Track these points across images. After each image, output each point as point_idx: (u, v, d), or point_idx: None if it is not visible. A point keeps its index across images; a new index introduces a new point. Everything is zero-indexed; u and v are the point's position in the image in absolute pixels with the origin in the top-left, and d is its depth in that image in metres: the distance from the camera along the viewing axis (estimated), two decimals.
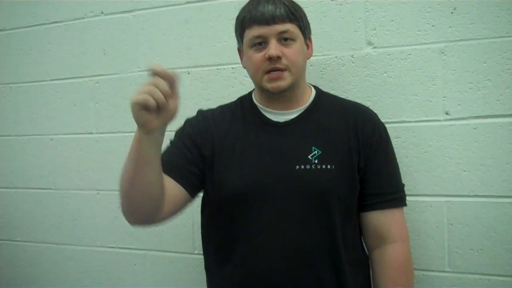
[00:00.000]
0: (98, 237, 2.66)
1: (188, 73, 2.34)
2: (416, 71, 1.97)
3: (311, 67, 2.09)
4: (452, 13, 1.90)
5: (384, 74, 2.01)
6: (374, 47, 2.03)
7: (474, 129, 1.90)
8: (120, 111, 2.52)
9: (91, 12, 2.56)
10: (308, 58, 1.81)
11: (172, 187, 1.67)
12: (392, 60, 2.00)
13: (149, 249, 2.51)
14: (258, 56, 1.68)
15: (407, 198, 1.89)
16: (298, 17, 1.70)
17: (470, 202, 1.92)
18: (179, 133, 1.82)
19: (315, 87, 1.87)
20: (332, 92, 1.99)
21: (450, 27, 1.91)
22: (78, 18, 2.59)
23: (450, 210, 1.95)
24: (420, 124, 1.97)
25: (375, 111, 1.91)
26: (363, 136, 1.73)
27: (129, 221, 1.69)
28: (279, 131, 1.75)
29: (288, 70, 1.67)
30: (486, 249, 1.91)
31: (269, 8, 1.65)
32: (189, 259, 2.39)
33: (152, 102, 1.34)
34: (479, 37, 1.87)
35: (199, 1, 2.32)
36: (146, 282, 2.52)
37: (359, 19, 2.05)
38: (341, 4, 2.07)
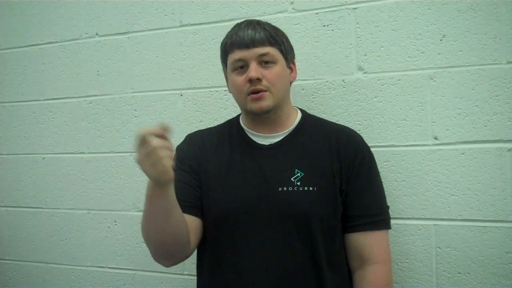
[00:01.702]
0: (87, 256, 2.65)
1: (181, 95, 2.36)
2: (406, 96, 1.99)
3: (303, 91, 2.12)
4: (441, 40, 1.93)
5: (374, 99, 2.03)
6: (365, 72, 2.05)
7: (462, 154, 1.92)
8: (112, 131, 2.54)
9: (86, 33, 2.58)
10: (292, 81, 1.86)
11: (191, 221, 1.72)
12: (382, 85, 2.02)
13: (139, 269, 2.51)
14: (240, 79, 1.73)
15: (396, 221, 1.92)
16: (278, 41, 1.74)
17: (458, 226, 1.94)
18: (176, 165, 1.79)
19: (302, 110, 1.91)
20: (323, 115, 2.01)
21: (439, 53, 1.94)
22: (73, 39, 2.61)
23: (438, 233, 1.96)
24: (409, 148, 1.99)
25: (365, 135, 1.93)
26: (345, 158, 1.75)
27: (165, 266, 1.79)
28: (263, 154, 1.78)
29: (269, 91, 1.71)
30: (474, 273, 1.92)
31: (249, 33, 1.70)
32: (179, 280, 2.39)
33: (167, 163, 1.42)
34: (467, 64, 1.90)
35: (192, 25, 2.35)
36: None
37: (350, 44, 2.07)
38: (332, 30, 2.10)
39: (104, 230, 2.59)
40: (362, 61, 2.06)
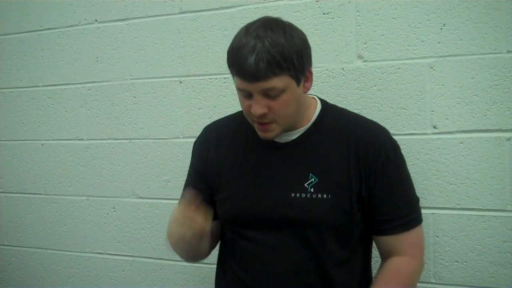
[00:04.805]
0: (86, 242, 2.67)
1: (181, 82, 2.35)
2: (405, 85, 1.99)
3: None
4: (441, 29, 1.93)
5: (374, 87, 2.03)
6: (365, 61, 2.05)
7: (461, 143, 1.92)
8: (111, 118, 2.54)
9: (85, 19, 2.57)
10: (306, 91, 1.63)
11: (212, 225, 1.73)
12: (382, 74, 2.02)
13: (137, 256, 2.52)
14: (245, 103, 1.57)
15: None
16: (286, 67, 1.48)
17: (456, 215, 1.95)
18: (191, 163, 1.88)
19: (322, 101, 1.76)
20: None
21: (439, 42, 1.93)
22: (72, 26, 2.61)
23: (436, 222, 1.97)
24: (408, 137, 1.99)
25: None
26: (366, 161, 1.62)
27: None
28: (278, 154, 1.68)
29: (275, 122, 1.57)
30: (471, 261, 1.94)
31: (251, 62, 1.44)
32: (177, 266, 2.41)
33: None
34: (467, 53, 1.90)
35: (192, 12, 2.34)
36: None
37: (350, 33, 2.07)
38: (332, 18, 2.09)
39: (103, 217, 2.60)
40: (362, 50, 2.05)
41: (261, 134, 1.61)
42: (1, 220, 2.88)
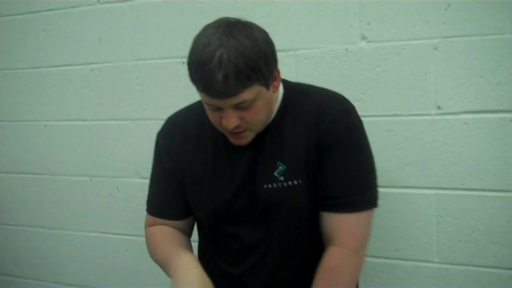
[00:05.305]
0: (90, 222, 2.69)
1: (183, 63, 2.33)
2: (409, 66, 1.98)
3: (305, 60, 2.12)
4: (446, 9, 1.92)
5: (378, 68, 2.03)
6: (368, 42, 2.04)
7: (465, 123, 1.92)
8: (114, 99, 2.55)
9: (87, 0, 2.56)
10: (275, 90, 1.55)
11: (188, 225, 1.77)
12: (386, 54, 2.01)
13: (141, 235, 2.51)
14: (214, 115, 1.49)
15: (398, 190, 1.94)
16: (255, 78, 1.39)
17: (459, 195, 1.95)
18: (158, 158, 1.77)
19: (284, 84, 1.66)
20: (325, 85, 2.01)
21: (443, 23, 1.93)
22: (74, 6, 2.59)
23: (439, 202, 1.98)
24: (411, 118, 1.99)
25: (368, 105, 1.96)
26: (318, 136, 1.55)
27: None
28: (247, 148, 1.60)
29: (248, 129, 1.51)
30: (474, 241, 1.95)
31: (218, 80, 1.34)
32: None
33: None
34: (472, 34, 1.89)
35: None
36: (138, 268, 2.55)
37: (354, 13, 2.06)
38: None
39: (106, 197, 2.62)
40: (366, 30, 2.04)
41: (234, 141, 1.56)
42: (5, 200, 2.90)
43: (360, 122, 1.61)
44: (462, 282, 1.98)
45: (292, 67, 2.14)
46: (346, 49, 2.07)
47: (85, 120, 2.63)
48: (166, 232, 1.73)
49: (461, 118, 1.93)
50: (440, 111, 1.95)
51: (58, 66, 2.67)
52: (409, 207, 2.03)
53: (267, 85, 1.45)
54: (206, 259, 1.74)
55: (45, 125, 2.73)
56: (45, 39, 2.68)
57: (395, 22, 2.00)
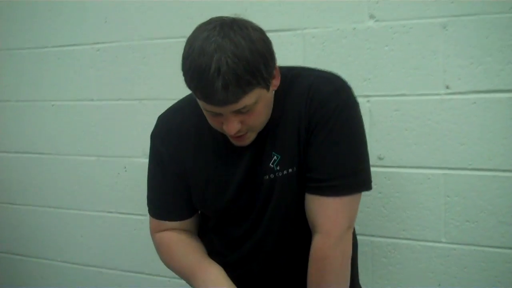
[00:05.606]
0: (98, 202, 2.70)
1: None
2: (418, 45, 1.96)
3: (313, 39, 2.10)
4: None
5: (386, 48, 2.01)
6: (376, 20, 2.02)
7: (474, 103, 1.91)
8: (121, 78, 2.54)
9: None
10: (275, 88, 1.49)
11: (193, 224, 1.77)
12: (394, 33, 1.99)
13: (148, 214, 2.54)
14: (214, 120, 1.46)
15: (405, 170, 1.94)
16: (255, 82, 1.34)
17: (467, 175, 1.95)
18: (153, 157, 1.74)
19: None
20: (333, 64, 2.00)
21: (452, 2, 1.90)
22: None
23: (447, 182, 1.98)
24: (420, 97, 1.98)
25: (376, 84, 1.94)
26: (308, 120, 1.51)
27: None
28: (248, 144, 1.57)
29: (250, 131, 1.48)
30: (482, 221, 1.94)
31: (218, 89, 1.29)
32: None
33: None
34: (481, 13, 1.87)
35: None
36: (145, 247, 2.55)
37: None
38: None
39: (114, 176, 2.63)
40: (374, 9, 2.02)
41: (236, 143, 1.53)
42: (13, 180, 2.91)
43: (354, 103, 1.54)
44: (469, 262, 1.98)
45: (300, 47, 2.12)
46: (354, 28, 2.05)
47: (92, 99, 2.63)
48: (179, 241, 1.72)
49: (470, 97, 1.91)
50: (449, 91, 1.93)
51: (64, 46, 2.66)
52: (417, 188, 2.02)
53: (267, 87, 1.41)
54: (204, 241, 1.77)
55: (53, 105, 2.73)
56: (50, 19, 2.67)
57: (403, 1, 1.97)
